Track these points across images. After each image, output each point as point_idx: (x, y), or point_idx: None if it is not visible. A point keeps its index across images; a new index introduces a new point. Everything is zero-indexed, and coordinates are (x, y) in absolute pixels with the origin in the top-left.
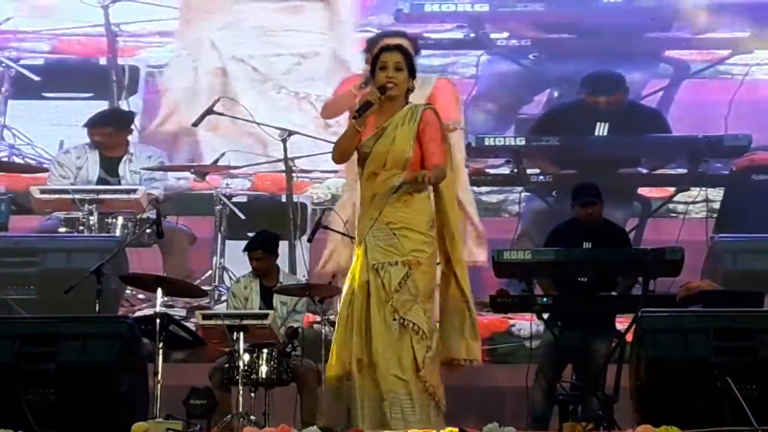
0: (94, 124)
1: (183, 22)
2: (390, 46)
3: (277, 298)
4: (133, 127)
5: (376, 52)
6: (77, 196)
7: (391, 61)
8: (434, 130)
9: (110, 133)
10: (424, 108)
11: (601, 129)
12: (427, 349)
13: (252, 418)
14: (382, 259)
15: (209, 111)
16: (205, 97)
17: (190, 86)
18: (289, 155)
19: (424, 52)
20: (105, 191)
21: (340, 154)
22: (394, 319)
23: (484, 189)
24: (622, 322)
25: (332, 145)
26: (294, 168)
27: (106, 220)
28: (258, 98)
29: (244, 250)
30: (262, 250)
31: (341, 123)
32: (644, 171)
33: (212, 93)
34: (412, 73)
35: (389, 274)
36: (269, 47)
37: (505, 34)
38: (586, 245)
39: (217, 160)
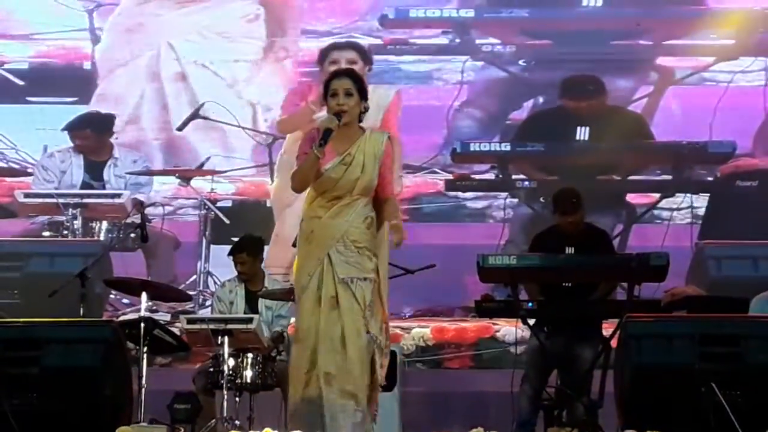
0: (73, 127)
1: (134, 27)
2: (339, 72)
3: (262, 303)
4: (114, 130)
5: (326, 79)
6: (61, 200)
7: (340, 88)
8: (390, 161)
9: (89, 135)
10: (386, 138)
11: (582, 134)
12: (382, 363)
13: (236, 422)
14: (351, 274)
15: (194, 115)
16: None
17: (147, 93)
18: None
19: (409, 57)
20: (89, 195)
21: (302, 184)
22: (367, 332)
23: (469, 195)
24: (607, 328)
25: None
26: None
27: (90, 224)
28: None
29: (229, 254)
30: (247, 253)
31: None
32: (629, 178)
33: (175, 98)
34: (363, 95)
35: (361, 288)
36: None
37: (491, 40)
38: (569, 250)
39: (202, 164)
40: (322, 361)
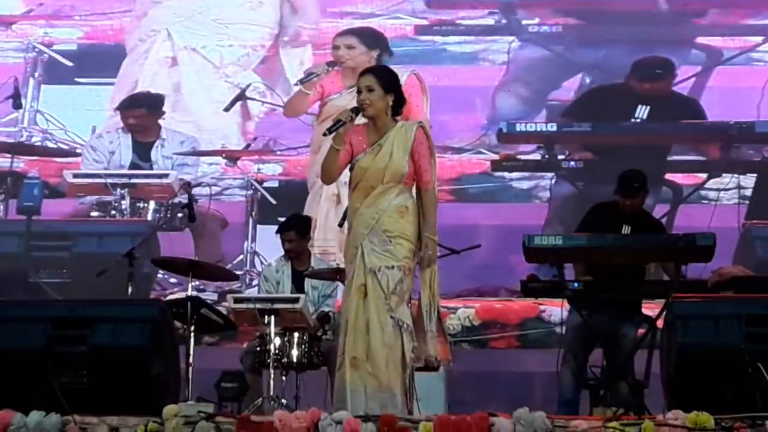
0: (126, 107)
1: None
2: (364, 71)
3: (308, 283)
4: (164, 109)
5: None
6: (110, 181)
7: (362, 85)
8: (424, 148)
9: (143, 114)
10: (417, 127)
11: (642, 112)
12: (413, 346)
13: (283, 401)
14: (379, 264)
15: (240, 96)
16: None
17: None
18: None
19: (455, 38)
20: (137, 176)
21: (328, 175)
22: (391, 317)
23: (515, 175)
24: (651, 308)
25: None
26: None
27: (137, 204)
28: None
29: (277, 232)
30: (295, 231)
31: None
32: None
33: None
34: (388, 89)
35: (386, 276)
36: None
37: (537, 20)
38: (626, 229)
39: (248, 145)
40: (350, 346)
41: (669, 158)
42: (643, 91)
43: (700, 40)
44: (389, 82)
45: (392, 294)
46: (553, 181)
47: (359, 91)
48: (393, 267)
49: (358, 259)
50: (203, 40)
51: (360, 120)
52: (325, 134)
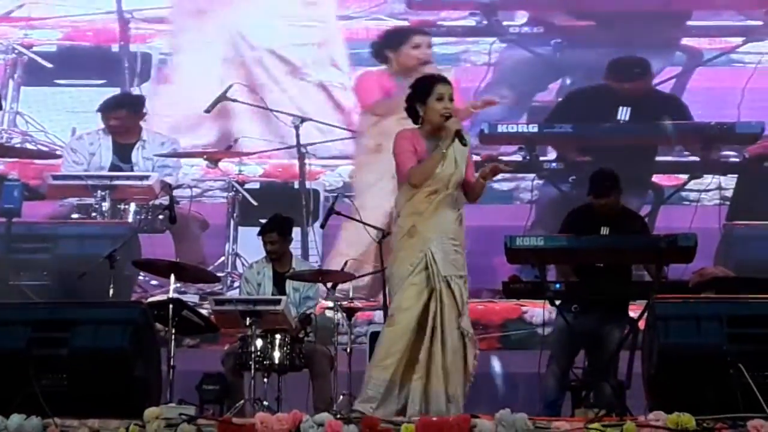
0: (107, 108)
1: (197, 12)
2: (442, 78)
3: (289, 284)
4: (145, 111)
5: (428, 81)
6: (90, 183)
7: (447, 92)
8: (469, 155)
9: (124, 116)
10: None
11: (624, 113)
12: (475, 354)
13: (265, 403)
14: (451, 272)
15: (222, 97)
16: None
17: (212, 76)
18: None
19: (437, 39)
20: (118, 177)
21: (424, 179)
22: (457, 328)
23: (496, 176)
24: (634, 309)
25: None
26: (306, 154)
27: (118, 206)
28: (285, 87)
29: (259, 233)
30: (277, 232)
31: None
32: (657, 159)
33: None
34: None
35: (459, 287)
36: (293, 37)
37: (518, 22)
38: (604, 230)
39: (230, 147)
40: (415, 350)
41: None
42: (623, 91)
43: (683, 41)
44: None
45: (463, 304)
46: (536, 182)
47: (441, 98)
48: (461, 276)
49: (429, 264)
50: (278, 41)
51: (399, 122)
52: (464, 144)
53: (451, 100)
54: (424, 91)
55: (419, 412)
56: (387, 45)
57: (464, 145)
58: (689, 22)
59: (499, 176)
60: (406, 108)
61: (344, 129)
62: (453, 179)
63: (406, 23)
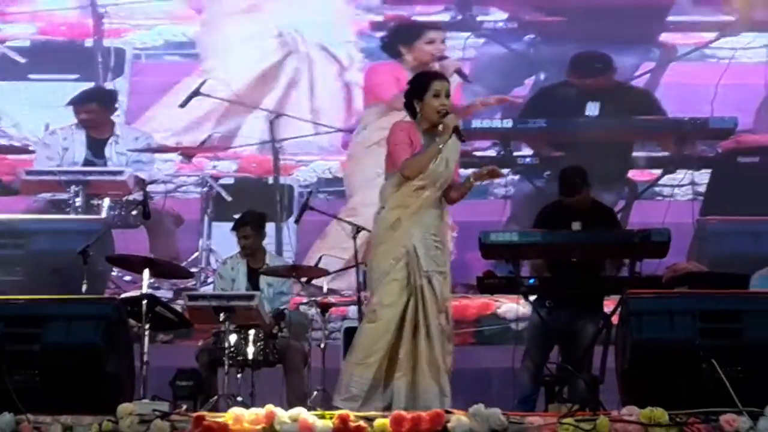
0: (78, 102)
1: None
2: (439, 75)
3: (263, 280)
4: (117, 105)
5: (425, 78)
6: (64, 178)
7: (443, 89)
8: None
9: (95, 110)
10: (460, 143)
11: (592, 109)
12: (450, 349)
13: (239, 399)
14: (433, 268)
15: (196, 92)
16: (283, 81)
17: (263, 71)
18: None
19: None
20: (91, 173)
21: (418, 172)
22: (439, 323)
23: (470, 171)
24: (608, 305)
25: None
26: (281, 150)
27: (92, 201)
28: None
29: (233, 228)
30: (251, 227)
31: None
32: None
33: (291, 78)
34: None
35: (439, 282)
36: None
37: (492, 17)
38: (575, 225)
39: (204, 142)
40: (395, 347)
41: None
42: (587, 87)
43: (660, 37)
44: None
45: (443, 300)
46: (511, 177)
47: (437, 95)
48: (442, 273)
49: (410, 259)
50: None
51: (395, 115)
52: (462, 140)
53: (448, 96)
54: (421, 87)
55: (406, 410)
56: (400, 40)
57: (462, 140)
58: (665, 18)
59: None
60: (404, 104)
61: (325, 126)
62: (441, 179)
63: (380, 18)
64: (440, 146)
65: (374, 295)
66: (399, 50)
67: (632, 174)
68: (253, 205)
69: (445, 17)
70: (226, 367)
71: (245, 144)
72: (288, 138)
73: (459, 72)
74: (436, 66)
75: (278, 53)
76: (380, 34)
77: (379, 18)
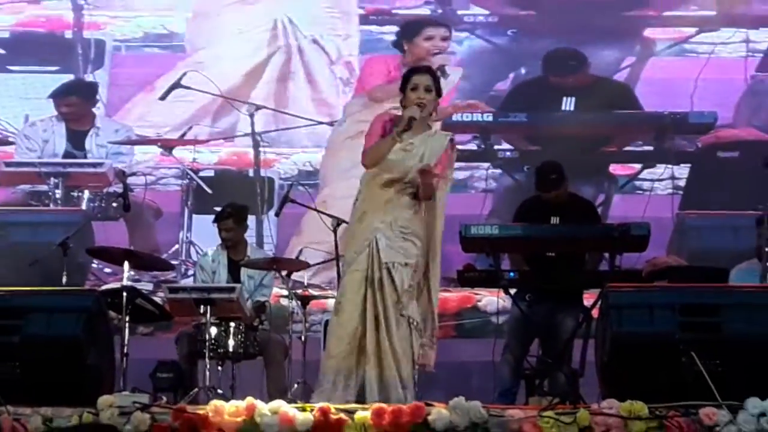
0: (59, 95)
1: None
2: (420, 69)
3: (244, 272)
4: (98, 98)
5: (408, 72)
6: (43, 170)
7: (422, 83)
8: (447, 159)
9: (76, 102)
10: (449, 139)
11: (568, 104)
12: (421, 343)
13: (219, 391)
14: (395, 259)
15: (177, 84)
16: (273, 75)
17: (255, 65)
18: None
19: (391, 28)
20: (71, 165)
21: (374, 161)
22: (402, 315)
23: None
24: (588, 298)
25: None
26: (262, 142)
27: (72, 193)
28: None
29: (214, 221)
30: (232, 220)
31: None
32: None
33: (280, 73)
34: (438, 92)
35: (401, 274)
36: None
37: (474, 11)
38: (554, 220)
39: (184, 134)
40: (362, 338)
41: (603, 149)
42: (563, 84)
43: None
44: (440, 86)
45: (405, 292)
46: (492, 171)
47: (415, 88)
48: (407, 264)
49: (372, 251)
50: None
51: (385, 108)
52: (404, 131)
53: (428, 90)
54: (404, 81)
55: (378, 401)
56: (403, 35)
57: (403, 131)
58: (644, 12)
59: (454, 165)
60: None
61: (305, 118)
62: (413, 172)
63: (361, 11)
64: (395, 136)
65: (339, 287)
66: (402, 45)
67: (612, 168)
68: (233, 198)
69: (425, 11)
70: (206, 359)
71: (227, 136)
72: (269, 131)
73: (440, 68)
74: (432, 62)
75: (271, 46)
76: (362, 27)
77: (360, 11)
